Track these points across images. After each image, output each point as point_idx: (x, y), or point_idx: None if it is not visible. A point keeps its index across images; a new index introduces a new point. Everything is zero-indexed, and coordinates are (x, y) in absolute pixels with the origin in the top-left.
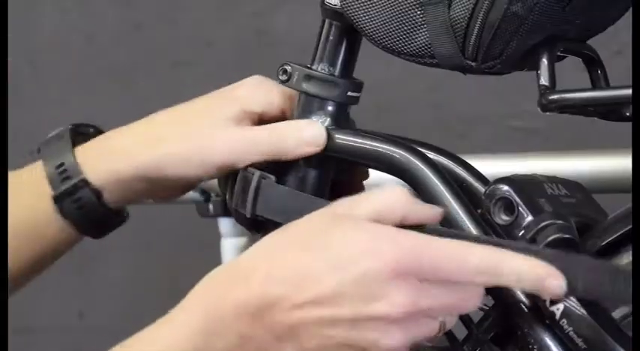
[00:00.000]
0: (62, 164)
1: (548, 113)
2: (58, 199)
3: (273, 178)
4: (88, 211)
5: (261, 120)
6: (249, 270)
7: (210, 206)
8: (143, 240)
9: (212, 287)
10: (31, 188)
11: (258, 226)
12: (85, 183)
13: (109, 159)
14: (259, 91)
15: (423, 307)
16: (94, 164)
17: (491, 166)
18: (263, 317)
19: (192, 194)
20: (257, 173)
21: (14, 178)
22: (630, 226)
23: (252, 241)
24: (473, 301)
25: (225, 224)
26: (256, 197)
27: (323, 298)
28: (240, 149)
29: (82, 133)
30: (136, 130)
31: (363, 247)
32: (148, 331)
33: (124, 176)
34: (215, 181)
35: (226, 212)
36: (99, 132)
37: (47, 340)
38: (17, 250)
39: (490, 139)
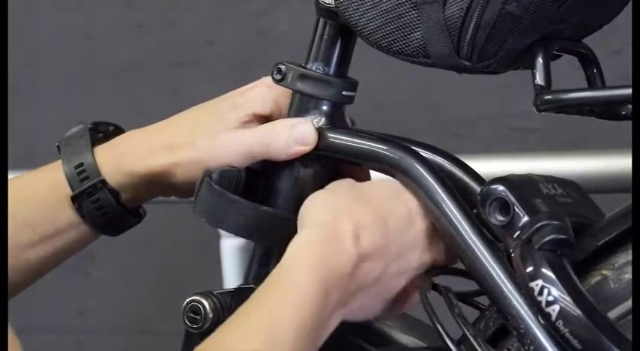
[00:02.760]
0: (81, 164)
1: (543, 113)
2: (76, 199)
3: (214, 177)
4: (107, 212)
5: (269, 121)
6: (335, 236)
7: None
8: (143, 240)
9: (313, 253)
10: (50, 187)
11: None
12: (103, 184)
13: (126, 161)
14: (269, 94)
15: None
16: (111, 166)
17: (490, 166)
18: (352, 277)
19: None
20: (205, 172)
21: (33, 175)
22: (627, 226)
23: (251, 241)
24: None
25: None
26: (196, 197)
27: (403, 247)
28: (242, 151)
29: (102, 132)
30: (152, 135)
31: (408, 212)
32: (255, 298)
33: (139, 179)
34: None
35: None
36: (118, 130)
37: (47, 340)
38: (35, 248)
39: (488, 139)
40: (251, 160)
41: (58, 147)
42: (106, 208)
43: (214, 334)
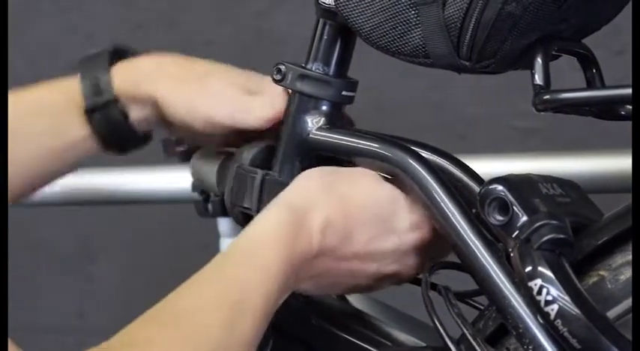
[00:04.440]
0: (97, 80)
1: (547, 113)
2: (89, 112)
3: (276, 175)
4: (115, 127)
5: None
6: (306, 220)
7: (209, 206)
8: (143, 240)
9: (284, 236)
10: (64, 100)
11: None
12: (115, 101)
13: (137, 83)
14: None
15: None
16: (124, 85)
17: (491, 166)
18: (314, 262)
19: (191, 194)
20: (260, 172)
21: (45, 90)
22: (624, 227)
23: None
24: None
25: (223, 224)
26: (261, 194)
27: (362, 254)
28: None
29: (121, 55)
30: (166, 67)
31: (414, 220)
32: (218, 272)
33: (145, 102)
34: (214, 181)
35: (225, 212)
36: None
37: (47, 340)
38: (41, 157)
39: (490, 139)
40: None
41: (79, 63)
42: (114, 124)
43: (174, 296)
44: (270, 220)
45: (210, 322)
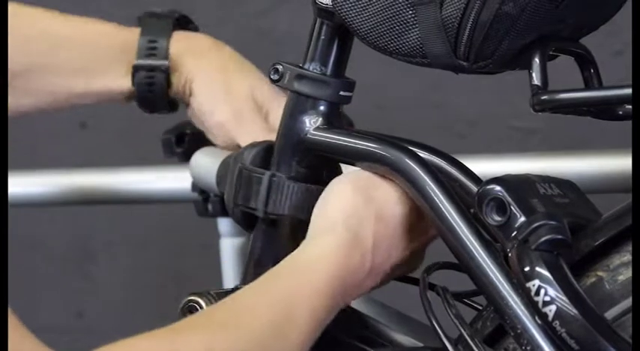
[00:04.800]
0: (156, 42)
1: (546, 113)
2: (136, 68)
3: (283, 176)
4: (154, 90)
5: None
6: (356, 243)
7: (210, 206)
8: (143, 240)
9: (338, 258)
10: (121, 45)
11: (253, 224)
12: (165, 67)
13: (188, 59)
14: None
15: None
16: (177, 56)
17: (491, 166)
18: (362, 283)
19: (191, 194)
20: (267, 173)
21: (108, 28)
22: (622, 228)
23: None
24: None
25: (224, 224)
26: (268, 195)
27: (393, 265)
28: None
29: (182, 25)
30: (218, 55)
31: (426, 223)
32: (271, 281)
33: (185, 80)
34: (214, 181)
35: (225, 212)
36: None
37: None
38: (66, 89)
39: (490, 139)
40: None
41: (139, 18)
42: (155, 88)
43: (229, 301)
44: (327, 240)
45: (257, 324)
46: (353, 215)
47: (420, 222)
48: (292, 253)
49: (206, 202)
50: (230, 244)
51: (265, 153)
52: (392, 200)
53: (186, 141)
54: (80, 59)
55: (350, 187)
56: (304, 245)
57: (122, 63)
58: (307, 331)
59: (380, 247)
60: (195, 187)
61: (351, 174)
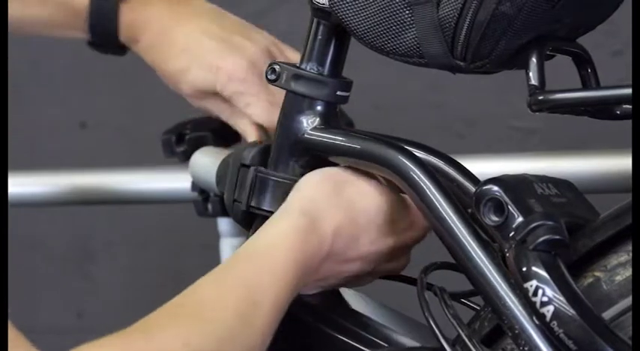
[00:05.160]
0: None
1: (546, 113)
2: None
3: (269, 171)
4: (105, 22)
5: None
6: (316, 225)
7: (209, 206)
8: (143, 240)
9: (295, 241)
10: None
11: (251, 223)
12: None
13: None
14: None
15: None
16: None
17: (490, 166)
18: (322, 266)
19: (191, 194)
20: (252, 168)
21: None
22: (620, 228)
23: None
24: None
25: (223, 224)
26: (252, 190)
27: (363, 256)
28: None
29: None
30: (184, 20)
31: (410, 220)
32: (231, 269)
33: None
34: (214, 181)
35: (225, 212)
36: None
37: (46, 340)
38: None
39: (490, 139)
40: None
41: None
42: (105, 20)
43: (190, 291)
44: (283, 224)
45: (225, 315)
46: (312, 201)
47: (402, 218)
48: (249, 239)
49: (206, 201)
50: (230, 244)
51: (265, 152)
52: (365, 194)
53: (186, 141)
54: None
55: (318, 177)
56: (260, 230)
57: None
58: (271, 315)
59: (342, 235)
60: (195, 186)
61: (327, 168)
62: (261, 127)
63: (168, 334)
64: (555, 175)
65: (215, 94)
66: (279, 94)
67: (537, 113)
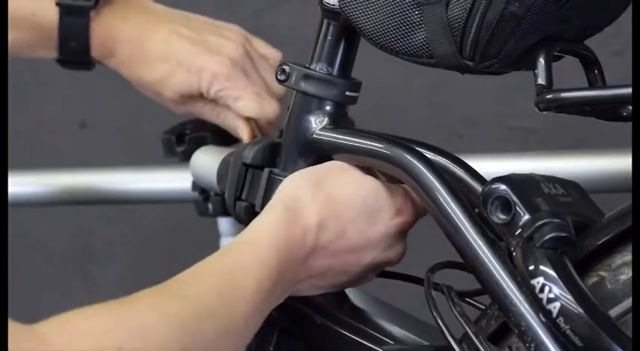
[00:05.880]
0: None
1: (547, 113)
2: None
3: (281, 172)
4: (76, 39)
5: None
6: (299, 218)
7: (209, 205)
8: (142, 240)
9: (277, 234)
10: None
11: None
12: (88, 16)
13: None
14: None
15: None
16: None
17: (491, 166)
18: (308, 261)
19: (191, 194)
20: (266, 170)
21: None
22: (624, 227)
23: None
24: None
25: (224, 224)
26: (267, 192)
27: (352, 247)
28: None
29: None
30: (155, 24)
31: (397, 206)
32: (216, 258)
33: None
34: (214, 180)
35: (225, 212)
36: None
37: None
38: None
39: (490, 139)
40: None
41: None
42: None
43: (175, 278)
44: (267, 218)
45: (204, 291)
46: (294, 198)
47: (388, 206)
48: (237, 236)
49: (206, 201)
50: None
51: (266, 151)
52: (347, 187)
53: (186, 141)
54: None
55: (298, 175)
56: (247, 227)
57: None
58: (254, 300)
59: (327, 228)
60: (195, 186)
61: (309, 167)
62: (251, 120)
63: (148, 306)
64: (555, 174)
65: (198, 97)
66: (263, 84)
67: (537, 114)
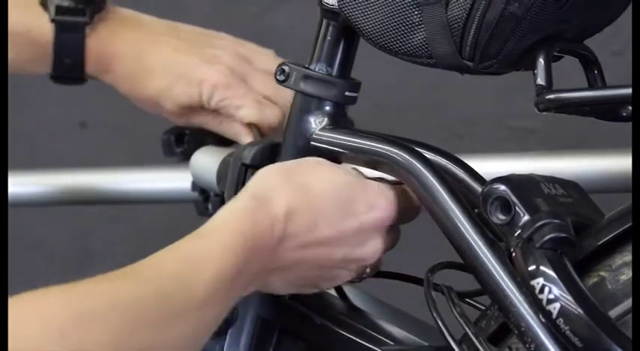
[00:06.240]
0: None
1: (546, 113)
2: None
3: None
4: (71, 56)
5: None
6: (267, 207)
7: (209, 205)
8: (142, 240)
9: (243, 221)
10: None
11: None
12: (83, 32)
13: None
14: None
15: (387, 249)
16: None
17: (491, 166)
18: (275, 252)
19: (191, 194)
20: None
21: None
22: (624, 227)
23: None
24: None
25: None
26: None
27: (322, 240)
28: None
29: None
30: (141, 35)
31: (371, 201)
32: (179, 244)
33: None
34: (214, 180)
35: None
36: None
37: None
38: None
39: (490, 139)
40: None
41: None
42: (72, 47)
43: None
44: (232, 206)
45: (160, 273)
46: (264, 187)
47: (362, 201)
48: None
49: (206, 201)
50: None
51: (266, 151)
52: (321, 179)
53: (186, 141)
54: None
55: (272, 166)
56: (215, 214)
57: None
58: (214, 286)
59: (296, 218)
60: (195, 186)
61: (284, 161)
62: (253, 126)
63: (100, 290)
64: (555, 174)
65: (199, 108)
66: (261, 90)
67: (536, 114)
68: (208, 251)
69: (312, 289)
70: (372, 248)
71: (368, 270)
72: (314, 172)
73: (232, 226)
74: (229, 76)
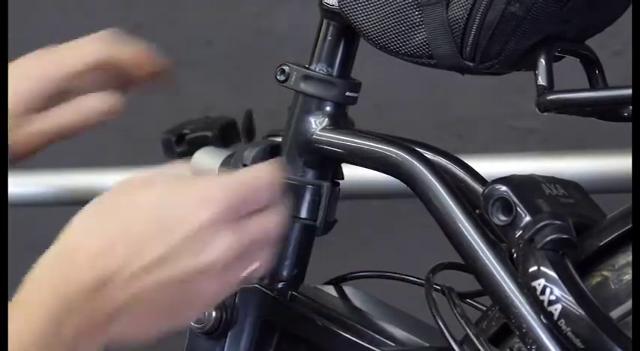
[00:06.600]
0: None
1: (547, 113)
2: None
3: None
4: None
5: None
6: (76, 250)
7: None
8: None
9: (52, 271)
10: None
11: None
12: None
13: None
14: None
15: (246, 243)
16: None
17: (490, 166)
18: (101, 294)
19: None
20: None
21: None
22: (627, 228)
23: None
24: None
25: None
26: None
27: (154, 263)
28: None
29: None
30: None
31: (199, 200)
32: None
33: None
34: None
35: None
36: None
37: None
38: None
39: (490, 139)
40: None
41: None
42: None
43: None
44: (42, 260)
45: None
46: (71, 231)
47: (190, 202)
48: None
49: None
50: None
51: (266, 152)
52: (135, 202)
53: (186, 141)
54: None
55: (81, 211)
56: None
57: None
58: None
59: (114, 252)
60: None
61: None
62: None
63: None
64: (555, 174)
65: None
66: None
67: (536, 114)
68: (15, 329)
69: (180, 321)
70: (220, 247)
71: (254, 266)
72: (125, 196)
73: (43, 289)
74: None
